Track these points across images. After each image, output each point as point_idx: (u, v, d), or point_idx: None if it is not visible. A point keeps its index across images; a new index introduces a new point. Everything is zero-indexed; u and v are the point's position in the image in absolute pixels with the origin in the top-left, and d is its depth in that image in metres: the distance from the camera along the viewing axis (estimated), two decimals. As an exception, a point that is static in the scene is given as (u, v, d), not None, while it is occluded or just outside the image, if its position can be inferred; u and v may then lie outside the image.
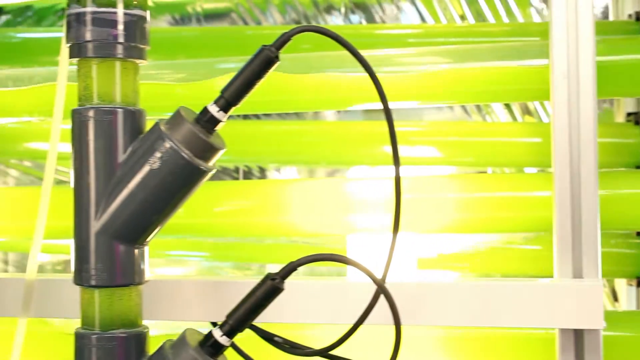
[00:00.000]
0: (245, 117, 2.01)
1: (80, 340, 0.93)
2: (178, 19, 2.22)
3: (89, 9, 0.91)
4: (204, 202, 1.58)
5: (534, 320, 1.09)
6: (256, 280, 0.92)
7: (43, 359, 1.54)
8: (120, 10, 0.91)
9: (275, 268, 2.20)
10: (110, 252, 0.91)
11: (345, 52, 1.54)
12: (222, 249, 2.03)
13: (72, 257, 0.94)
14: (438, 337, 1.35)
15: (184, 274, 2.32)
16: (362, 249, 1.52)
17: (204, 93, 1.57)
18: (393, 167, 0.97)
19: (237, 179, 2.26)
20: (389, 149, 1.76)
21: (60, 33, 2.06)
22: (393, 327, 0.95)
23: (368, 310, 0.96)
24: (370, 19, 2.00)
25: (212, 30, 2.14)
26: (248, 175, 2.30)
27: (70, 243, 0.94)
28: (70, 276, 0.96)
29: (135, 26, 0.92)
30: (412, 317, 1.10)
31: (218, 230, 1.79)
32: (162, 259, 2.20)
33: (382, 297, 0.94)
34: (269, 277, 0.90)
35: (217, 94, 0.91)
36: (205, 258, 2.22)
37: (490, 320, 1.11)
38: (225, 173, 2.31)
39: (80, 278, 0.92)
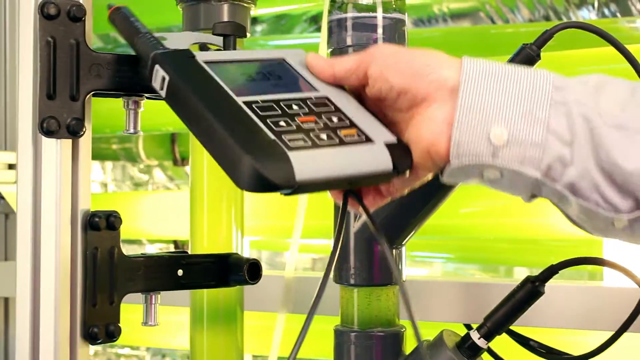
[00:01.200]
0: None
1: (339, 337, 0.96)
2: (425, 19, 2.22)
3: (350, 14, 0.93)
4: (450, 203, 1.58)
5: None
6: (509, 282, 0.91)
7: (301, 352, 1.59)
8: (379, 14, 0.92)
9: (523, 271, 2.15)
10: (369, 252, 0.93)
11: (595, 50, 1.49)
12: (468, 251, 2.02)
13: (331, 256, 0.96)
14: None
15: (428, 275, 2.33)
16: (618, 253, 1.46)
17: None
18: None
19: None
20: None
21: (311, 39, 2.13)
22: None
23: (633, 316, 0.92)
24: (627, 12, 1.91)
25: (454, 30, 2.13)
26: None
27: (331, 243, 0.97)
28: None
29: (394, 29, 0.93)
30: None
31: (463, 231, 1.78)
32: (407, 259, 2.21)
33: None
34: (529, 279, 0.88)
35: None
36: (449, 260, 2.21)
37: None
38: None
39: (340, 277, 0.95)
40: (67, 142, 0.79)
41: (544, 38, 0.87)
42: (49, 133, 0.77)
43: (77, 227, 0.80)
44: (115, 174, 2.63)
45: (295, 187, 0.65)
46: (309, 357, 1.55)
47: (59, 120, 0.78)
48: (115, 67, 0.80)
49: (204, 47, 0.80)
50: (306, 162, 0.65)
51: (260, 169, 0.63)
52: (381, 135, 0.70)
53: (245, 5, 0.98)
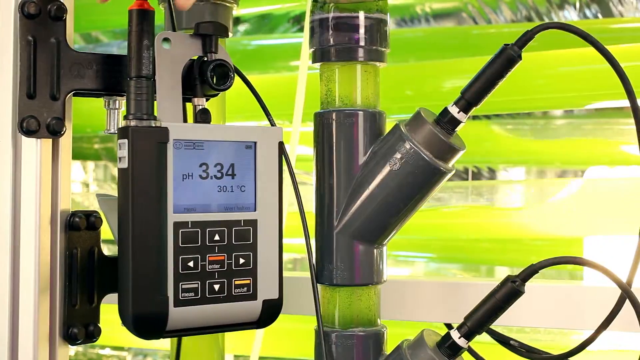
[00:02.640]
0: (475, 117, 1.99)
1: (320, 337, 0.96)
2: (407, 19, 2.23)
3: (332, 14, 0.93)
4: (432, 202, 1.59)
5: None
6: (490, 282, 0.91)
7: (282, 352, 1.59)
8: (361, 14, 0.92)
9: (504, 270, 2.17)
10: (350, 252, 0.93)
11: (577, 50, 1.50)
12: (450, 250, 2.03)
13: (309, 256, 0.96)
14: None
15: (410, 274, 2.33)
16: (598, 253, 1.46)
17: (433, 94, 1.58)
18: (634, 167, 0.92)
19: (466, 180, 2.24)
20: (627, 148, 1.70)
21: (294, 39, 2.13)
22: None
23: (612, 315, 0.92)
24: (607, 13, 1.92)
25: (436, 31, 2.13)
26: (477, 176, 2.27)
27: (312, 243, 0.96)
28: (307, 274, 0.99)
29: (376, 29, 0.93)
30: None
31: (445, 231, 1.78)
32: (389, 259, 2.21)
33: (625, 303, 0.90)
34: (509, 279, 0.89)
35: (444, 96, 0.90)
36: (432, 259, 2.22)
37: None
38: (454, 174, 2.29)
39: (322, 277, 0.95)
40: (47, 142, 0.79)
41: (526, 39, 0.87)
42: (29, 132, 0.77)
43: (57, 227, 0.80)
44: (96, 173, 2.63)
45: (164, 336, 0.79)
46: (290, 357, 1.55)
47: (39, 119, 0.77)
48: (96, 66, 0.80)
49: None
50: (182, 317, 0.79)
51: (135, 326, 0.77)
52: (268, 290, 0.85)
53: (227, 5, 0.98)
